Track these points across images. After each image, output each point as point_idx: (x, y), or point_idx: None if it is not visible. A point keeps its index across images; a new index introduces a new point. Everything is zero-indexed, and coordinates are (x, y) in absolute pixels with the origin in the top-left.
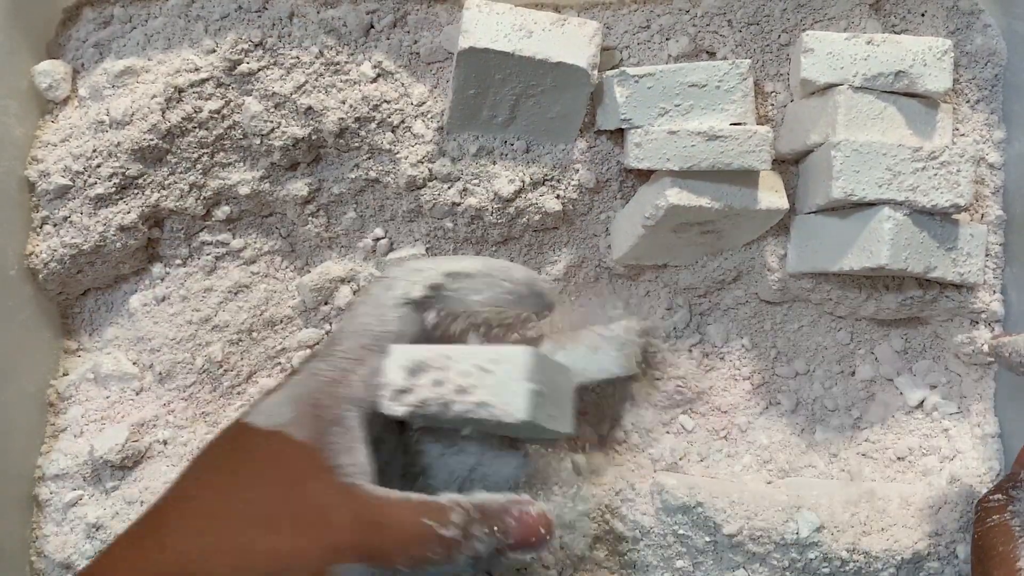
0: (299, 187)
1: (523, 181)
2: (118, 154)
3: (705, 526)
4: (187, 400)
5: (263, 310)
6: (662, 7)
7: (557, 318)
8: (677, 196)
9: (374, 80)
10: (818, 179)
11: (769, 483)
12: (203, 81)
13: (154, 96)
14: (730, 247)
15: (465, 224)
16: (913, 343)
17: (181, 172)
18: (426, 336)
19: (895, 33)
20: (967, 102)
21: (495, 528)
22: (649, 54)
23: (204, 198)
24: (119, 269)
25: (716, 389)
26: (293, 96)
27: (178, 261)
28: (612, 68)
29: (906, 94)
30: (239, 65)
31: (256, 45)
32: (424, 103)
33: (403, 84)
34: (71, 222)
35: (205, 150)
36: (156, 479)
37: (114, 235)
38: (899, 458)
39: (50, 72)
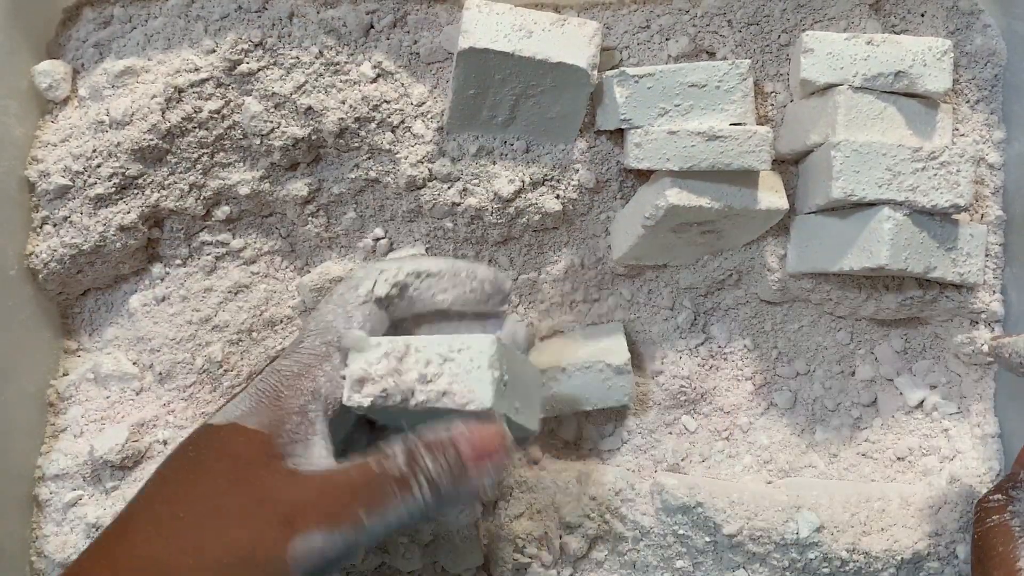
0: (299, 187)
1: (523, 181)
2: (118, 154)
3: (705, 526)
4: (187, 400)
5: (263, 310)
6: (662, 7)
7: (536, 320)
8: (677, 196)
9: (374, 80)
10: (818, 179)
11: (769, 483)
12: (203, 81)
13: (154, 96)
14: (730, 247)
15: (465, 224)
16: (913, 343)
17: (181, 172)
18: (392, 334)
19: (895, 33)
20: (967, 102)
21: (444, 454)
22: (649, 54)
23: (204, 198)
24: (119, 269)
25: (719, 389)
26: (293, 96)
27: (178, 261)
28: (612, 68)
29: (906, 94)
30: (239, 65)
31: (256, 45)
32: (424, 103)
33: (403, 84)
34: (71, 222)
35: (205, 150)
36: None
37: (114, 235)
38: (899, 458)
39: (50, 72)
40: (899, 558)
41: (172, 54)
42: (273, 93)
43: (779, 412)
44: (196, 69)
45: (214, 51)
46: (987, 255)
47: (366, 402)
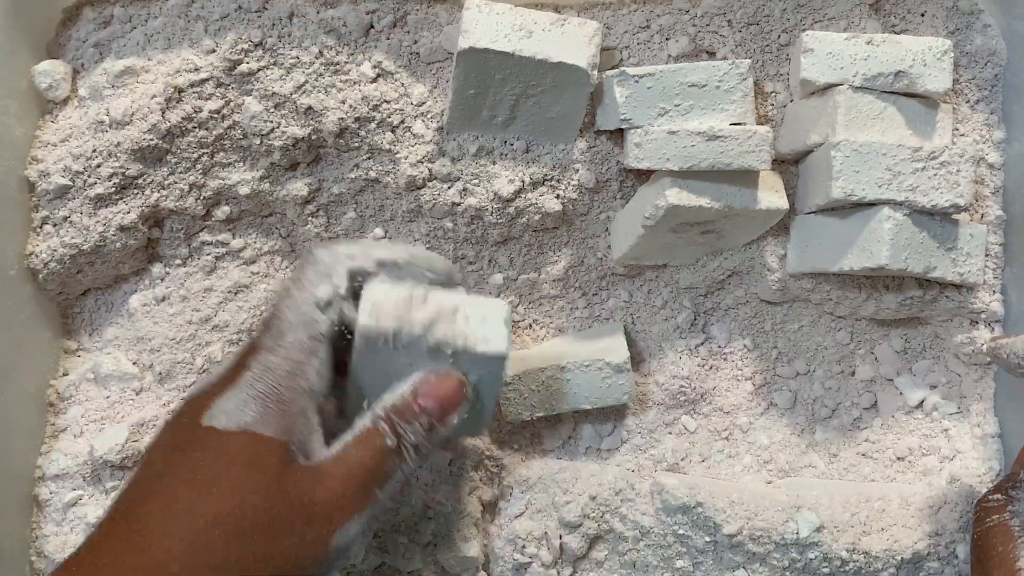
0: (299, 187)
1: (523, 181)
2: (118, 154)
3: (705, 526)
4: None
5: (263, 310)
6: (662, 7)
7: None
8: (677, 196)
9: (374, 80)
10: (818, 179)
11: (769, 483)
12: (203, 81)
13: (154, 96)
14: (730, 247)
15: (465, 224)
16: (913, 343)
17: (181, 172)
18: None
19: (895, 33)
20: (967, 102)
21: (417, 419)
22: (649, 54)
23: (204, 198)
24: (119, 269)
25: (719, 389)
26: (293, 96)
27: (178, 261)
28: (612, 68)
29: (906, 94)
30: (239, 65)
31: (256, 45)
32: (424, 103)
33: (403, 84)
34: (71, 222)
35: (205, 150)
36: None
37: (114, 235)
38: (899, 458)
39: (50, 72)
40: (899, 558)
41: (172, 54)
42: (273, 93)
43: (779, 412)
44: (196, 69)
45: (214, 51)
46: (987, 255)
47: (390, 326)
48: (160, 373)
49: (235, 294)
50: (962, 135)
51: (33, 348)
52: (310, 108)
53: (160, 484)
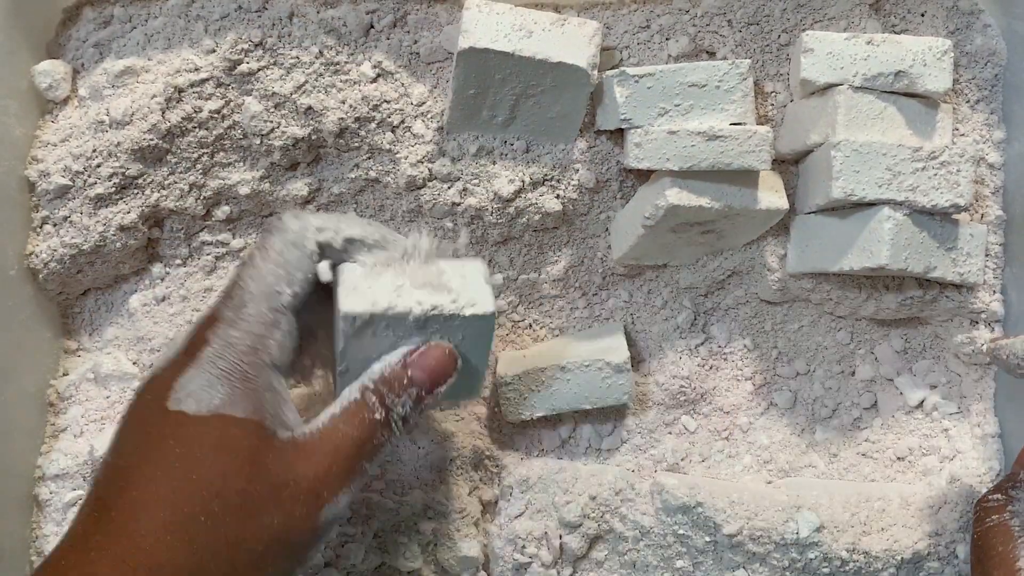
0: (299, 187)
1: (523, 181)
2: (118, 154)
3: (705, 526)
4: None
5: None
6: (662, 7)
7: None
8: (677, 196)
9: (374, 80)
10: (818, 179)
11: (769, 483)
12: (203, 81)
13: (154, 96)
14: (730, 247)
15: (465, 224)
16: (913, 343)
17: (181, 172)
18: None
19: (895, 33)
20: (967, 102)
21: (404, 389)
22: (649, 54)
23: (204, 198)
24: (119, 269)
25: (719, 389)
26: (293, 96)
27: (178, 261)
28: (612, 68)
29: (906, 94)
30: (239, 65)
31: (256, 45)
32: (424, 103)
33: (403, 84)
34: (71, 222)
35: (205, 150)
36: None
37: (114, 235)
38: (899, 458)
39: (50, 72)
40: (899, 558)
41: (172, 54)
42: (273, 93)
43: (779, 412)
44: (196, 69)
45: (214, 51)
46: (987, 255)
47: (373, 309)
48: None
49: None
50: (962, 135)
51: (33, 348)
52: (310, 108)
53: (138, 474)
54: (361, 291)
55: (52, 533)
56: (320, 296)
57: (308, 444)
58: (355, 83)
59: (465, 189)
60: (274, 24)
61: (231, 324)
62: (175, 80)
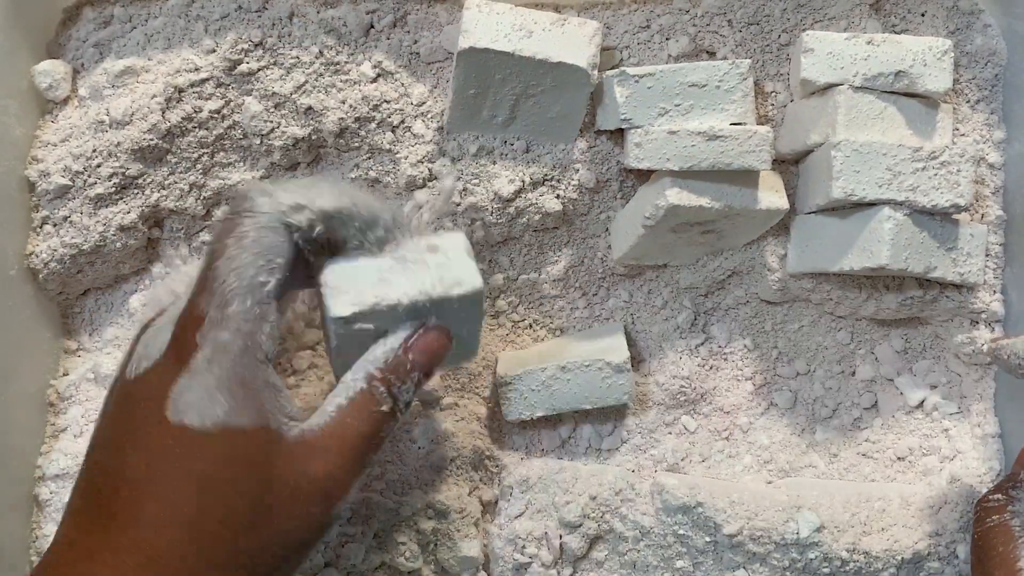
0: None
1: (523, 181)
2: (118, 154)
3: (705, 526)
4: None
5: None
6: (662, 7)
7: None
8: (677, 196)
9: (374, 80)
10: (818, 179)
11: (769, 483)
12: (203, 81)
13: (154, 96)
14: (730, 247)
15: (465, 224)
16: (913, 343)
17: (181, 172)
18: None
19: (895, 33)
20: (967, 102)
21: (408, 374)
22: (649, 54)
23: (204, 198)
24: (119, 269)
25: (719, 389)
26: (293, 96)
27: (178, 261)
28: (612, 68)
29: (906, 94)
30: (239, 65)
31: (256, 45)
32: (424, 103)
33: (403, 84)
34: (71, 222)
35: (205, 150)
36: None
37: (114, 235)
38: (899, 458)
39: (50, 72)
40: (899, 558)
41: (172, 54)
42: (273, 93)
43: (779, 412)
44: (196, 69)
45: (214, 51)
46: (987, 255)
47: (362, 309)
48: None
49: None
50: (962, 135)
51: (33, 348)
52: (310, 108)
53: (149, 490)
54: (346, 289)
55: (52, 533)
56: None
57: (317, 440)
58: (355, 83)
59: (465, 189)
60: (274, 24)
61: (218, 325)
62: (175, 80)
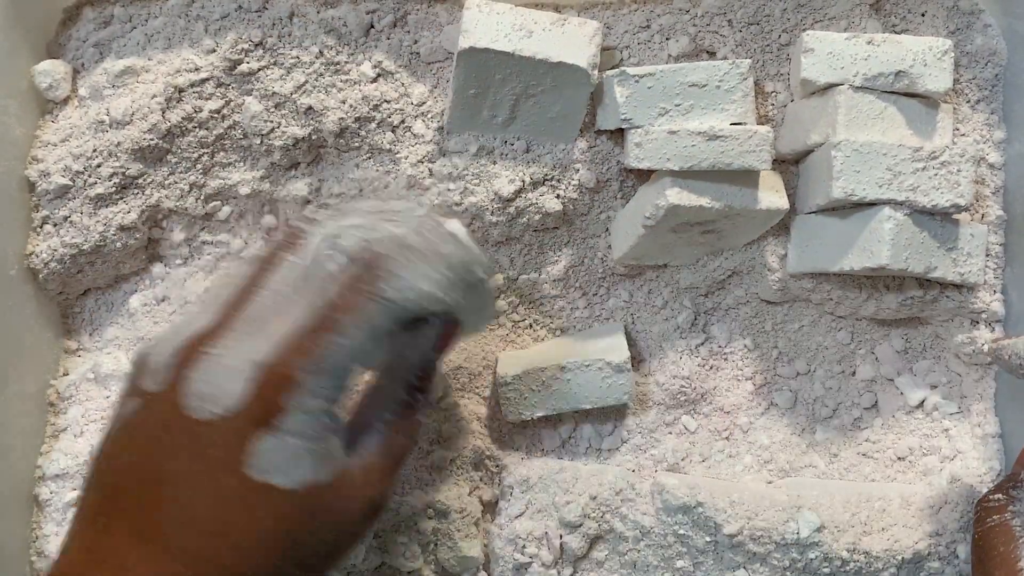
0: (299, 187)
1: (523, 181)
2: (118, 154)
3: (705, 526)
4: None
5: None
6: (662, 7)
7: None
8: (677, 196)
9: (374, 80)
10: (818, 179)
11: (769, 483)
12: (203, 81)
13: (154, 96)
14: (730, 247)
15: (465, 224)
16: (913, 343)
17: (181, 172)
18: None
19: (895, 33)
20: (967, 102)
21: (433, 375)
22: (649, 54)
23: (204, 198)
24: (119, 269)
25: (720, 389)
26: (293, 96)
27: (178, 261)
28: (612, 68)
29: (906, 94)
30: (239, 65)
31: (256, 45)
32: (424, 103)
33: (403, 84)
34: (71, 222)
35: (205, 150)
36: None
37: (114, 235)
38: (899, 458)
39: (50, 72)
40: (900, 558)
41: (172, 54)
42: (273, 93)
43: (779, 412)
44: (196, 69)
45: (214, 51)
46: (987, 255)
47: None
48: None
49: None
50: (962, 135)
51: (33, 348)
52: (310, 108)
53: (224, 542)
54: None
55: (52, 533)
56: None
57: (372, 464)
58: (355, 83)
59: (465, 189)
60: (274, 24)
61: (309, 392)
62: (175, 80)
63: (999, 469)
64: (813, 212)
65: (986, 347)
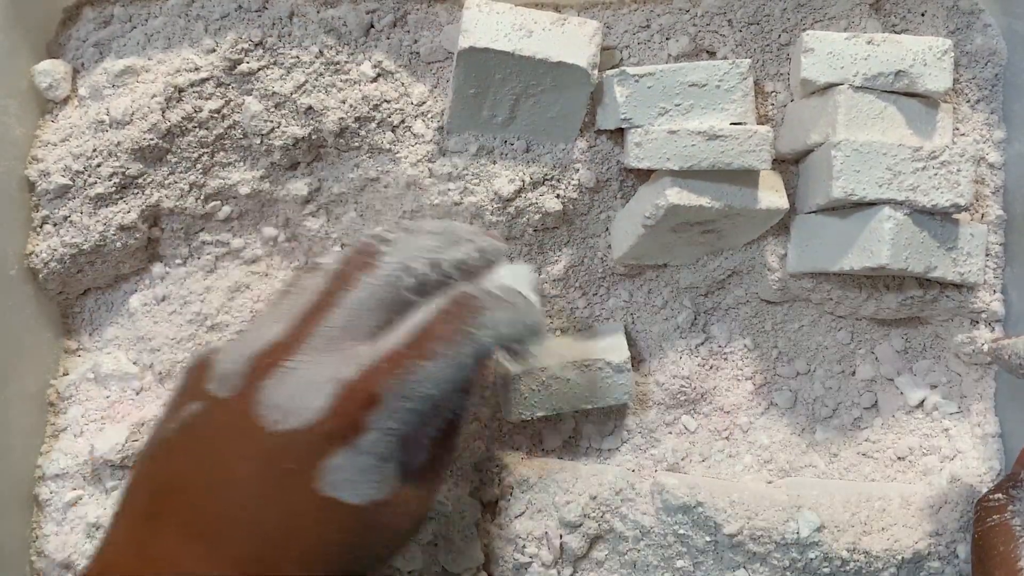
0: (299, 187)
1: (523, 181)
2: (118, 154)
3: (705, 526)
4: None
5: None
6: (662, 7)
7: None
8: (677, 196)
9: (374, 80)
10: (818, 179)
11: (769, 483)
12: (203, 81)
13: (154, 96)
14: (730, 247)
15: (466, 224)
16: (913, 343)
17: (181, 172)
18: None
19: (895, 33)
20: (967, 102)
21: None
22: (649, 54)
23: (204, 197)
24: (119, 269)
25: (719, 389)
26: (293, 96)
27: (178, 261)
28: (612, 68)
29: (906, 94)
30: (239, 65)
31: (256, 45)
32: (424, 103)
33: (403, 84)
34: (71, 222)
35: (205, 150)
36: None
37: (114, 235)
38: (899, 458)
39: (50, 72)
40: (900, 558)
41: (172, 53)
42: (273, 93)
43: (779, 412)
44: (196, 69)
45: (214, 51)
46: (987, 255)
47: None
48: (160, 373)
49: (235, 294)
50: (962, 135)
51: (33, 348)
52: (310, 108)
53: (283, 554)
54: None
55: (52, 533)
56: None
57: (421, 481)
58: (355, 83)
59: (465, 189)
60: (274, 24)
61: (394, 416)
62: (175, 80)
63: (999, 469)
64: (813, 212)
65: (986, 347)
